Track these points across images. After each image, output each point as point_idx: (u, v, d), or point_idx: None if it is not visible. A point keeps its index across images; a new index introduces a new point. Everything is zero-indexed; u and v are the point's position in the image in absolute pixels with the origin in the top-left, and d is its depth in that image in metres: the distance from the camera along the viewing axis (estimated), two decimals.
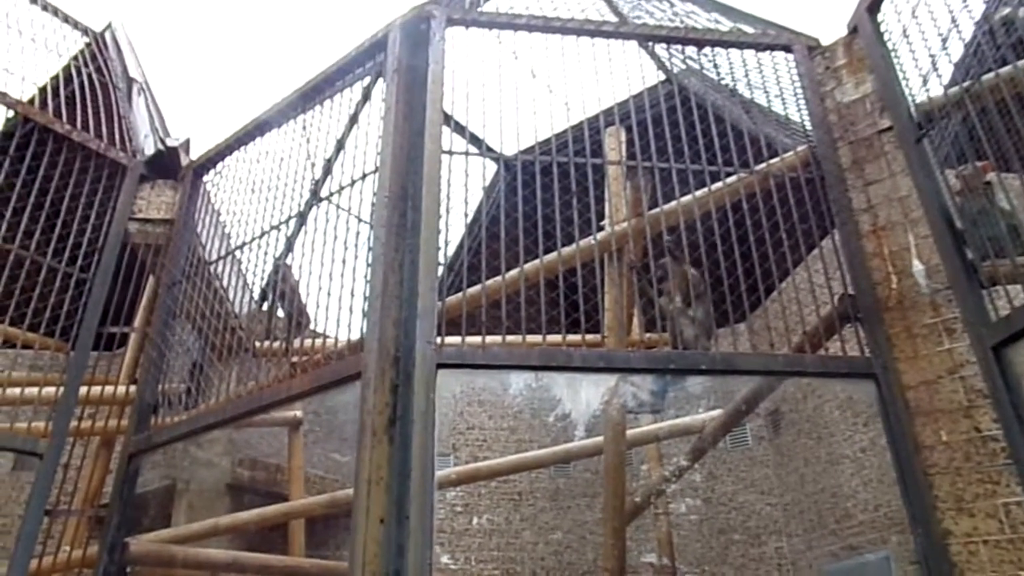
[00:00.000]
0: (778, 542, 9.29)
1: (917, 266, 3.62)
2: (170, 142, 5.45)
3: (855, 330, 3.69)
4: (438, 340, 3.29)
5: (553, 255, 3.91)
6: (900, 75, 4.10)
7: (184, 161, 5.51)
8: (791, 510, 9.18)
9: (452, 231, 3.83)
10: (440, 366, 3.23)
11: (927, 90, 3.90)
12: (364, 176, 4.06)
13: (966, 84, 3.53)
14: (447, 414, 11.47)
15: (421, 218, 3.49)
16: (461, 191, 3.72)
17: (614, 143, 5.13)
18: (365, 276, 3.57)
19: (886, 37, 4.22)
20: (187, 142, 5.56)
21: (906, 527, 3.42)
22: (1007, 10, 3.38)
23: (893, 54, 4.19)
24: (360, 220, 4.01)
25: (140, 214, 5.15)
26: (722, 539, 9.98)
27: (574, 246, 4.69)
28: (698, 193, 4.31)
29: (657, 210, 4.21)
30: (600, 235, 4.60)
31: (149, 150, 5.39)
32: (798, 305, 4.14)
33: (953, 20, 3.61)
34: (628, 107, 4.36)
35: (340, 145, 4.62)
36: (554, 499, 11.17)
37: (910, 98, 4.01)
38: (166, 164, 5.44)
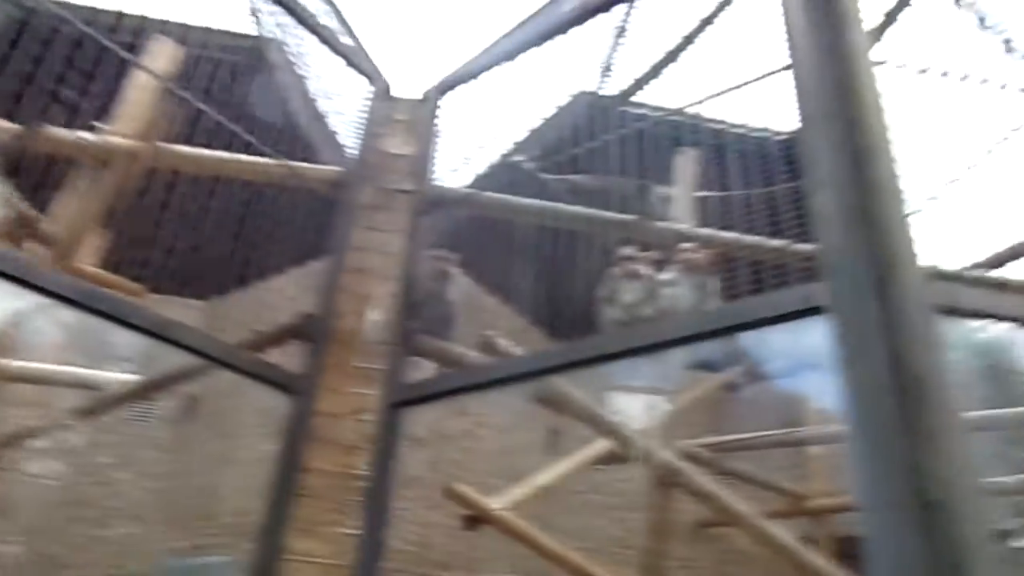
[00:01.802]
0: (133, 527, 8.78)
1: (374, 316, 4.04)
2: None
3: (302, 347, 3.87)
4: None
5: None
6: (436, 156, 4.69)
7: None
8: (163, 498, 8.85)
9: None
10: None
11: (448, 179, 4.55)
12: None
13: (470, 190, 4.25)
14: None
15: None
16: None
17: (163, 53, 4.49)
18: None
19: (442, 120, 4.80)
20: None
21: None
22: (521, 157, 4.24)
23: (443, 137, 4.78)
24: None
25: None
26: (70, 512, 8.95)
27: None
28: (224, 154, 4.06)
29: (178, 148, 3.80)
30: (92, 136, 3.89)
31: None
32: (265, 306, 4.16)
33: (493, 136, 4.37)
34: (200, 35, 3.93)
35: None
36: None
37: (434, 179, 4.60)
38: None
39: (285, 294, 4.05)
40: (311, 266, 4.26)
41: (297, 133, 4.49)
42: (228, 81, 4.02)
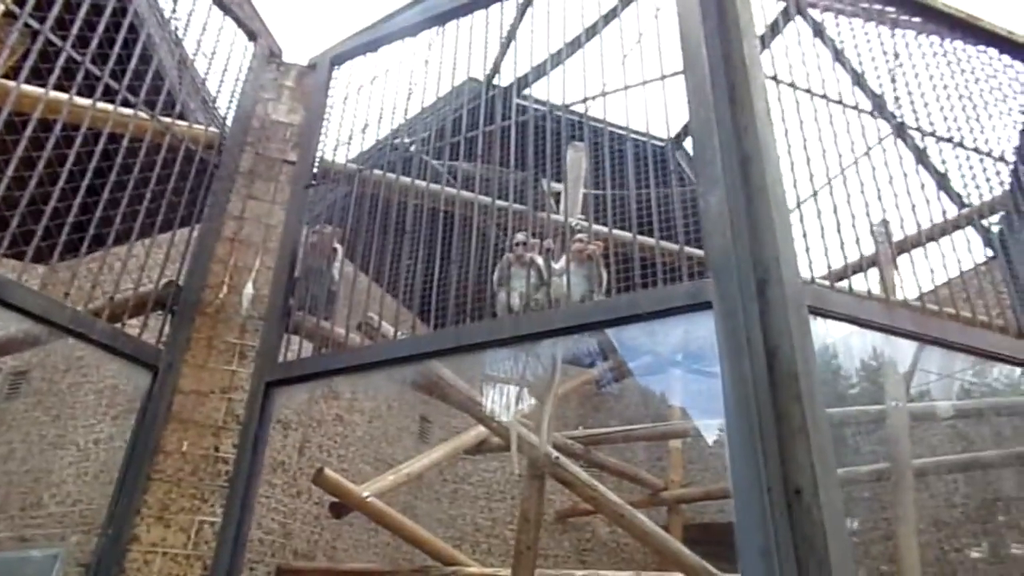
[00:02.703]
0: None
1: (249, 289, 3.78)
2: None
3: (163, 319, 3.55)
4: None
5: None
6: (325, 129, 4.46)
7: None
8: None
9: None
10: None
11: (335, 153, 4.35)
12: None
13: (358, 166, 4.10)
14: None
15: None
16: None
17: None
18: None
19: (333, 89, 4.57)
20: None
21: (94, 527, 3.26)
22: (408, 140, 4.12)
23: (333, 109, 4.54)
24: None
25: None
26: None
27: None
28: (84, 99, 3.62)
29: (25, 87, 3.34)
30: None
31: None
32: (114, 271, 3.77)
33: (381, 114, 4.22)
34: None
35: None
36: None
37: (321, 151, 4.37)
38: None
39: (144, 262, 3.68)
40: (178, 234, 3.91)
41: (166, 90, 4.10)
42: (86, 27, 3.58)
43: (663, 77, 3.39)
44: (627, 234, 3.21)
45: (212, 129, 4.24)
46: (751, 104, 2.99)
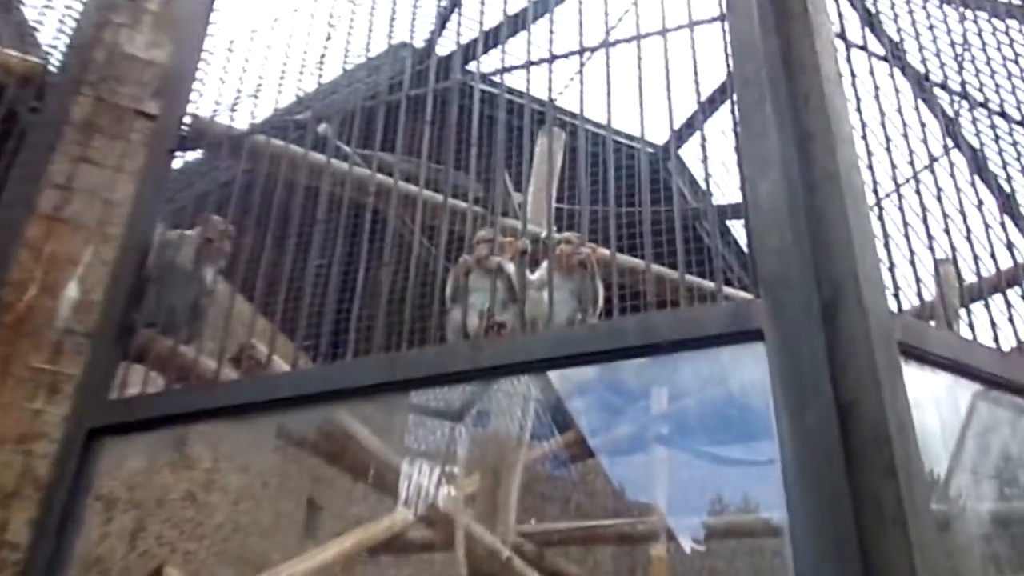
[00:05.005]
0: None
1: (71, 291, 3.41)
2: None
3: None
4: None
5: None
6: (201, 74, 4.23)
7: None
8: None
9: None
10: None
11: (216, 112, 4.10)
12: None
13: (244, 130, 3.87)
14: None
15: None
16: None
17: None
18: None
19: (216, 23, 4.37)
20: None
21: None
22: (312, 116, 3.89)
23: (215, 51, 4.32)
24: None
25: None
26: None
27: None
28: None
29: None
30: None
31: None
32: None
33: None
34: None
35: None
36: None
37: (195, 106, 4.12)
38: None
39: None
40: None
41: None
42: None
43: (691, 24, 3.23)
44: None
45: (36, 60, 3.89)
46: (816, 63, 2.83)
